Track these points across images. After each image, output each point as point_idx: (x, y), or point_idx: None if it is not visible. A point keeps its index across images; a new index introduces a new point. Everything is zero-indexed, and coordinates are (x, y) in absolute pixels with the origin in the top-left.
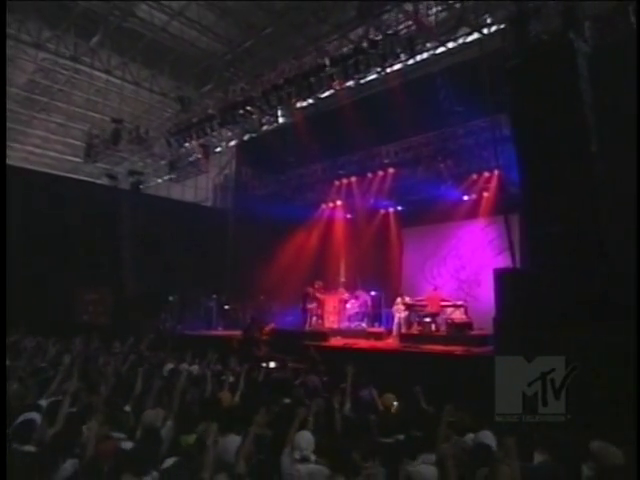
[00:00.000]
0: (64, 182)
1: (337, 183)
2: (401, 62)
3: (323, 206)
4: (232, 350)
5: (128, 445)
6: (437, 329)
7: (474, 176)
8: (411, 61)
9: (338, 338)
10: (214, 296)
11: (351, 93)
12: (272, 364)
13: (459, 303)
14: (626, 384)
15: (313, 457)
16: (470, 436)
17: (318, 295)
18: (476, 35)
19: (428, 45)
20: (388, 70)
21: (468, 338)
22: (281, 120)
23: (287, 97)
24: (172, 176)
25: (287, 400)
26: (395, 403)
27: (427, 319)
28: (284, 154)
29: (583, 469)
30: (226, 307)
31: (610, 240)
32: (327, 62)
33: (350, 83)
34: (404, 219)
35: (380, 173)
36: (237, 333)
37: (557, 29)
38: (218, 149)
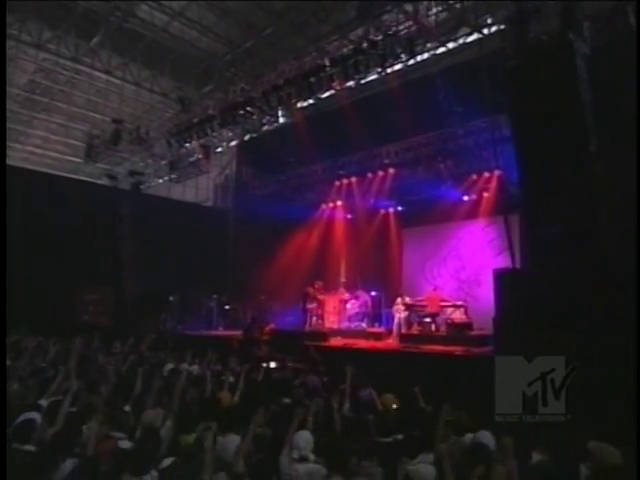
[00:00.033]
0: (64, 182)
1: (337, 183)
2: (401, 62)
3: (323, 206)
4: (232, 350)
5: (128, 445)
6: (437, 329)
7: (474, 176)
8: (411, 61)
9: (338, 338)
10: (214, 296)
11: (351, 93)
12: (272, 364)
13: (459, 303)
14: (626, 384)
15: (312, 457)
16: (469, 436)
17: (318, 295)
18: (476, 35)
19: (428, 45)
20: (388, 70)
21: (468, 338)
22: (281, 120)
23: (287, 97)
24: (173, 176)
25: (287, 400)
26: (394, 406)
27: (427, 319)
28: (284, 154)
29: (581, 469)
30: (226, 307)
31: (610, 240)
32: (327, 62)
33: (350, 83)
34: (404, 219)
35: (380, 173)
36: (237, 333)
37: (556, 29)
38: (219, 149)
